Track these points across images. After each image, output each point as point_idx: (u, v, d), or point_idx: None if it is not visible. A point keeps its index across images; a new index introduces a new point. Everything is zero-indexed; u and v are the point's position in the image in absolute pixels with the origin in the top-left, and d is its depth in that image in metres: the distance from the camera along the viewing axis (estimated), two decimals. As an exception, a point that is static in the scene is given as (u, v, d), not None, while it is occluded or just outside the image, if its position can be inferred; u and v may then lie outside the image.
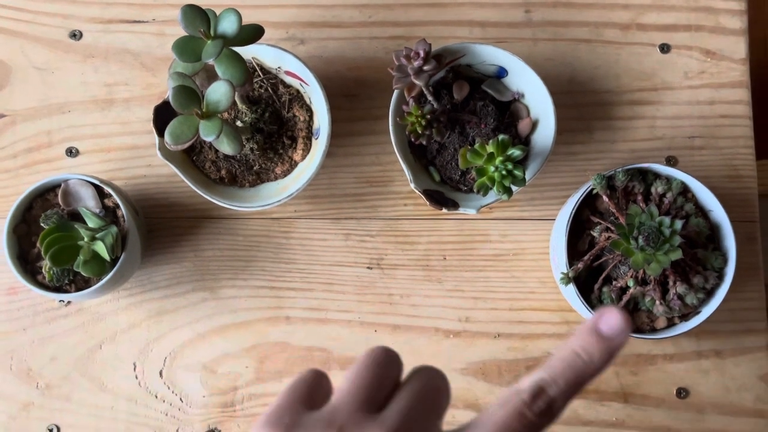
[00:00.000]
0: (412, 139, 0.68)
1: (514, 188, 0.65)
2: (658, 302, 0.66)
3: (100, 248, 0.65)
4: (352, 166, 0.76)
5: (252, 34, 0.63)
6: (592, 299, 0.68)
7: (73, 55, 0.78)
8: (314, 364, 0.74)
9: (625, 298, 0.67)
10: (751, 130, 0.77)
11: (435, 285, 0.75)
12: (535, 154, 0.70)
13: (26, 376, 0.73)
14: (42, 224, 0.67)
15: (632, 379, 0.74)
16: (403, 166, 0.69)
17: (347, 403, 0.35)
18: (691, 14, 0.79)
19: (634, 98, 0.77)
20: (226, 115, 0.72)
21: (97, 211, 0.69)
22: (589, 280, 0.68)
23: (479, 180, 0.64)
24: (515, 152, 0.63)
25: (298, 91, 0.74)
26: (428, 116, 0.66)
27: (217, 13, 0.62)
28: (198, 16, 0.61)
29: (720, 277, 0.67)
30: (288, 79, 0.73)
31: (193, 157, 0.72)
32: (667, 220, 0.63)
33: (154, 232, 0.75)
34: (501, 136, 0.64)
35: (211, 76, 0.64)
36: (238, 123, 0.71)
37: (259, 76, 0.73)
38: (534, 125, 0.72)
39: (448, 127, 0.71)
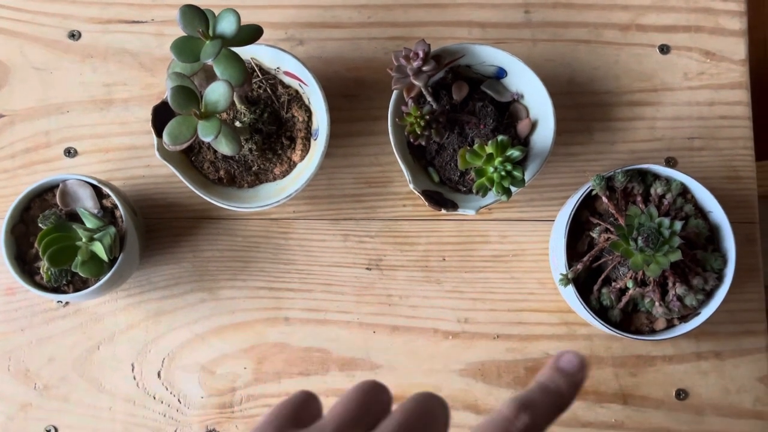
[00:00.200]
0: (411, 140, 0.68)
1: (513, 189, 0.65)
2: (657, 303, 0.66)
3: (98, 249, 0.65)
4: (351, 166, 0.76)
5: (251, 34, 0.63)
6: (591, 300, 0.67)
7: (71, 55, 0.78)
8: (313, 365, 0.74)
9: (624, 300, 0.67)
10: (751, 131, 0.77)
11: (434, 286, 0.75)
12: (534, 155, 0.70)
13: (24, 376, 0.73)
14: (40, 225, 0.67)
15: (631, 381, 0.74)
16: (402, 167, 0.69)
17: (335, 421, 0.34)
18: (690, 15, 0.78)
19: (634, 99, 0.77)
20: (224, 115, 0.72)
21: (96, 211, 0.69)
22: (589, 282, 0.68)
23: (478, 181, 0.64)
24: (514, 153, 0.63)
25: (297, 92, 0.73)
26: (427, 117, 0.66)
27: (216, 14, 0.61)
28: (197, 17, 0.61)
29: (719, 279, 0.67)
30: (287, 80, 0.73)
31: (191, 158, 0.72)
32: (666, 221, 0.63)
33: (152, 233, 0.75)
34: (500, 137, 0.63)
35: (210, 77, 0.64)
36: (237, 123, 0.71)
37: (258, 76, 0.73)
38: (533, 126, 0.71)
39: (447, 127, 0.71)
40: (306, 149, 0.72)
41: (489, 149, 0.64)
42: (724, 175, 0.76)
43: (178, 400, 0.73)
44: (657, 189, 0.68)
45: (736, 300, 0.73)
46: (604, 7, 0.79)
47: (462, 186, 0.72)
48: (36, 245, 0.66)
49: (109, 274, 0.66)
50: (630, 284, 0.66)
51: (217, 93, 0.60)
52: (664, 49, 0.78)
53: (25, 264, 0.68)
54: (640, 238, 0.62)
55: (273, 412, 0.36)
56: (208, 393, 0.73)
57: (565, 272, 0.66)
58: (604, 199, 0.67)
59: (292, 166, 0.73)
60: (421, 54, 0.63)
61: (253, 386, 0.73)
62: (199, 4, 0.61)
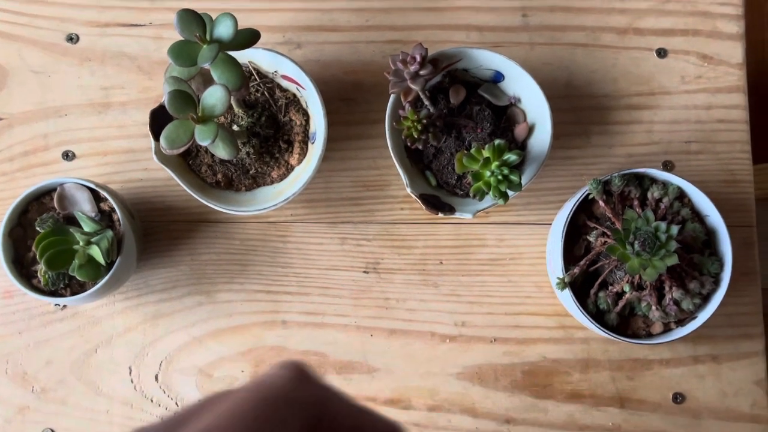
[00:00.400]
0: (409, 144, 0.68)
1: (510, 193, 0.65)
2: (654, 307, 0.66)
3: (96, 252, 0.65)
4: (349, 170, 0.76)
5: (248, 38, 0.63)
6: (588, 304, 0.68)
7: (69, 59, 0.78)
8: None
9: (621, 303, 0.67)
10: (748, 135, 0.77)
11: (431, 289, 0.75)
12: (531, 159, 0.70)
13: (21, 379, 0.73)
14: (37, 228, 0.67)
15: (628, 384, 0.74)
16: (400, 171, 0.69)
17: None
18: (688, 19, 0.79)
19: (631, 103, 0.77)
20: (222, 119, 0.72)
21: (93, 215, 0.69)
22: (586, 285, 0.68)
23: (475, 185, 0.64)
24: (511, 157, 0.63)
25: (294, 95, 0.73)
26: (425, 121, 0.66)
27: (213, 18, 0.62)
28: (194, 21, 0.61)
29: (716, 282, 0.67)
30: (284, 83, 0.73)
31: (189, 161, 0.72)
32: (663, 225, 0.63)
33: (150, 236, 0.75)
34: (497, 141, 0.64)
35: (207, 81, 0.64)
36: (234, 127, 0.71)
37: (256, 80, 0.73)
38: (530, 130, 0.72)
39: (445, 131, 0.71)
40: (303, 153, 0.72)
41: (486, 153, 0.64)
42: (722, 178, 0.76)
43: (176, 403, 0.73)
44: (654, 193, 0.68)
45: (733, 303, 0.73)
46: (601, 10, 0.79)
47: (459, 189, 0.72)
48: (33, 248, 0.66)
49: (106, 278, 0.66)
50: (627, 288, 0.66)
51: (214, 97, 0.60)
52: (662, 53, 0.78)
53: (22, 267, 0.68)
54: (636, 242, 0.62)
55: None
56: (205, 396, 0.73)
57: (562, 276, 0.66)
58: (601, 203, 0.67)
59: (289, 169, 0.73)
60: (418, 58, 0.64)
61: (251, 389, 0.73)
62: (196, 8, 0.62)
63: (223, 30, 0.61)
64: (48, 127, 0.77)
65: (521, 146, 0.72)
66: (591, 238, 0.67)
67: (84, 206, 0.69)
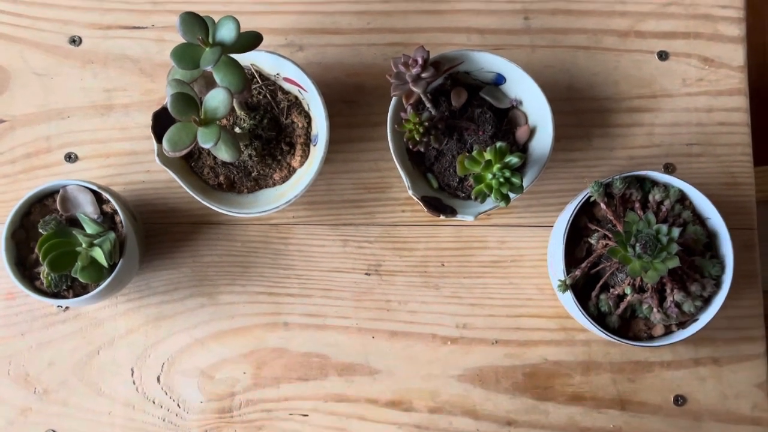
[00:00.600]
0: (410, 146, 0.68)
1: (511, 195, 0.65)
2: (655, 310, 0.66)
3: (98, 254, 0.65)
4: (351, 172, 0.77)
5: (250, 41, 0.63)
6: (589, 306, 0.68)
7: (72, 61, 0.78)
8: (312, 370, 0.74)
9: (622, 306, 0.67)
10: (749, 138, 0.77)
11: (433, 291, 0.75)
12: (533, 161, 0.70)
13: (24, 381, 0.73)
14: (40, 230, 0.68)
15: (630, 386, 0.74)
16: (401, 173, 0.69)
17: None
18: (689, 22, 0.79)
19: (633, 105, 0.77)
20: (224, 121, 0.72)
21: (96, 217, 0.69)
22: (587, 288, 0.69)
23: (477, 187, 0.64)
24: (513, 159, 0.63)
25: (296, 98, 0.74)
26: (426, 123, 0.66)
27: (216, 21, 0.62)
28: (196, 24, 0.61)
29: (717, 285, 0.67)
30: (286, 86, 0.73)
31: (191, 163, 0.72)
32: (664, 227, 0.63)
33: (152, 238, 0.76)
34: (499, 144, 0.64)
35: (210, 83, 0.64)
36: (237, 129, 0.71)
37: (258, 82, 0.73)
38: (532, 132, 0.72)
39: (446, 134, 0.71)
40: (305, 155, 0.73)
41: (488, 156, 0.64)
42: (723, 181, 0.76)
43: (178, 405, 0.73)
44: (655, 195, 0.68)
45: (734, 306, 0.73)
46: (603, 13, 0.79)
47: (461, 192, 0.72)
48: (36, 250, 0.66)
49: (108, 280, 0.66)
50: (628, 290, 0.67)
51: (216, 100, 0.61)
52: (663, 56, 0.78)
53: (25, 269, 0.68)
54: (638, 244, 0.62)
55: None
56: (207, 398, 0.73)
57: (563, 278, 0.66)
58: (603, 206, 0.67)
59: (291, 171, 0.73)
60: (420, 61, 0.64)
61: (252, 391, 0.74)
62: (198, 10, 0.62)
63: (226, 33, 0.61)
64: (50, 129, 0.77)
65: (523, 149, 0.72)
66: (592, 241, 0.67)
67: (87, 208, 0.69)
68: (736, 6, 0.79)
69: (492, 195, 0.64)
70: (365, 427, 0.73)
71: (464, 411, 0.73)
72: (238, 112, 0.71)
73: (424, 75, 0.64)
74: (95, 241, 0.65)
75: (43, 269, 0.67)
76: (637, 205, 0.68)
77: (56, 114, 0.77)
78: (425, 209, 0.68)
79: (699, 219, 0.69)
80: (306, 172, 0.71)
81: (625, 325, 0.69)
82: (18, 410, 0.73)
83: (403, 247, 0.76)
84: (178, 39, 0.61)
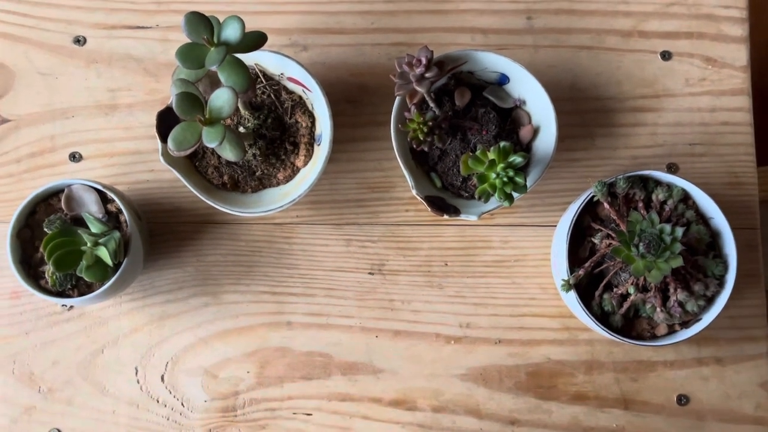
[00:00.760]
0: (414, 146, 0.68)
1: (515, 195, 0.65)
2: (658, 309, 0.66)
3: (103, 253, 0.65)
4: (354, 171, 0.77)
5: (255, 41, 0.64)
6: (592, 306, 0.68)
7: (76, 61, 0.78)
8: (315, 369, 0.74)
9: (625, 305, 0.67)
10: (752, 137, 0.77)
11: (436, 291, 0.75)
12: (536, 161, 0.71)
13: (28, 379, 0.74)
14: (45, 229, 0.68)
15: (633, 386, 0.74)
16: (405, 172, 0.69)
17: None
18: (692, 22, 0.79)
19: (636, 105, 0.78)
20: (228, 121, 0.72)
21: (100, 216, 0.69)
22: (590, 287, 0.69)
23: (480, 186, 0.65)
24: (516, 159, 0.64)
25: (300, 98, 0.74)
26: (430, 123, 0.67)
27: (221, 20, 0.62)
28: (201, 23, 0.61)
29: (721, 285, 0.67)
30: (291, 86, 0.74)
31: (195, 163, 0.73)
32: (667, 227, 0.63)
33: (156, 237, 0.76)
34: (502, 143, 0.64)
35: (214, 83, 0.64)
36: (241, 129, 0.72)
37: (262, 82, 0.73)
38: (535, 132, 0.72)
39: (450, 133, 0.71)
40: (309, 154, 0.73)
41: (491, 155, 0.64)
42: (726, 181, 0.76)
43: (182, 404, 0.74)
44: (658, 195, 0.68)
45: (738, 306, 0.74)
46: (606, 13, 0.79)
47: (464, 191, 0.72)
48: (41, 249, 0.66)
49: (113, 279, 0.66)
50: (631, 290, 0.67)
51: (221, 99, 0.61)
52: (666, 56, 0.78)
53: (30, 268, 0.69)
54: (641, 244, 0.63)
55: None
56: (211, 397, 0.74)
57: (566, 278, 0.66)
58: (606, 205, 0.67)
59: (295, 171, 0.73)
60: (423, 60, 0.64)
61: (256, 390, 0.74)
62: (203, 10, 0.62)
63: (231, 33, 0.61)
64: (55, 128, 0.77)
65: (526, 148, 0.72)
66: (596, 240, 0.68)
67: (91, 207, 0.69)
68: (739, 6, 0.79)
69: (495, 194, 0.64)
70: (369, 426, 0.73)
71: (467, 410, 0.74)
72: (243, 111, 0.71)
73: (427, 75, 0.64)
74: (100, 240, 0.65)
75: (48, 268, 0.67)
76: (640, 204, 0.68)
77: (61, 113, 0.77)
78: (429, 209, 0.68)
79: (702, 219, 0.69)
80: (310, 171, 0.71)
81: (628, 325, 0.69)
82: (22, 409, 0.73)
83: (406, 246, 0.76)
84: (182, 39, 0.62)
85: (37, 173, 0.77)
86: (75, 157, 0.77)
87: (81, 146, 0.77)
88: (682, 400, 0.74)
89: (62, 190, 0.69)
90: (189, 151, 0.60)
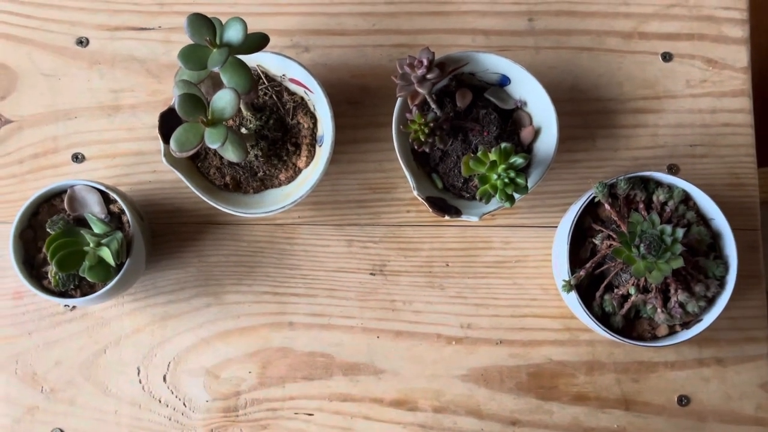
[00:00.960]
0: (416, 147, 0.69)
1: (516, 196, 0.65)
2: (659, 310, 0.66)
3: (106, 254, 0.65)
4: (356, 172, 0.77)
5: (257, 42, 0.64)
6: (593, 306, 0.68)
7: (79, 62, 0.79)
8: (317, 369, 0.74)
9: (626, 306, 0.67)
10: (753, 139, 0.77)
11: (437, 291, 0.75)
12: (537, 162, 0.71)
13: (31, 380, 0.74)
14: (48, 229, 0.68)
15: (633, 387, 0.74)
16: (406, 173, 0.69)
17: None
18: (693, 23, 0.79)
19: (637, 106, 0.78)
20: (231, 122, 0.73)
21: (103, 216, 0.69)
22: (591, 288, 0.69)
23: (482, 187, 0.65)
24: (518, 160, 0.64)
25: (302, 99, 0.74)
26: (431, 124, 0.67)
27: (223, 22, 0.62)
28: (204, 25, 0.61)
29: (721, 286, 0.67)
30: (292, 87, 0.74)
31: (197, 164, 0.73)
32: (668, 228, 0.63)
33: (158, 238, 0.76)
34: (503, 144, 0.64)
35: (217, 84, 0.64)
36: (243, 130, 0.72)
37: (264, 83, 0.74)
38: (536, 133, 0.72)
39: (451, 134, 0.71)
40: (311, 155, 0.73)
41: (492, 156, 0.64)
42: (727, 182, 0.76)
43: (183, 404, 0.74)
44: (659, 196, 0.68)
45: (738, 307, 0.74)
46: (606, 15, 0.79)
47: (465, 192, 0.73)
48: (44, 250, 0.66)
49: (116, 279, 0.66)
50: (632, 291, 0.67)
51: (223, 100, 0.61)
52: (667, 57, 0.78)
53: (33, 268, 0.69)
54: (642, 245, 0.63)
55: None
56: (212, 397, 0.74)
57: (567, 278, 0.66)
58: (607, 206, 0.67)
59: (297, 172, 0.73)
60: (425, 62, 0.64)
61: (258, 390, 0.74)
62: (205, 12, 0.62)
63: (233, 34, 0.62)
64: (58, 129, 0.77)
65: (527, 149, 0.73)
66: (596, 241, 0.68)
67: (94, 208, 0.70)
68: (740, 7, 0.79)
69: (497, 195, 0.64)
70: (370, 427, 0.73)
71: (469, 411, 0.74)
72: (245, 112, 0.72)
73: (429, 76, 0.64)
74: (103, 241, 0.66)
75: (51, 268, 0.68)
76: (641, 205, 0.68)
77: (63, 114, 0.78)
78: (430, 210, 0.68)
79: (703, 220, 0.69)
80: (312, 172, 0.72)
81: (629, 326, 0.69)
82: (25, 409, 0.74)
83: (407, 247, 0.76)
84: (185, 40, 0.62)
85: (40, 174, 0.77)
86: (78, 158, 0.77)
87: (84, 147, 0.77)
88: (683, 400, 0.74)
89: (65, 191, 0.70)
90: (191, 152, 0.61)
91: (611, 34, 0.79)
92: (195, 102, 0.61)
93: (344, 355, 0.74)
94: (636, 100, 0.78)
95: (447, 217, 0.69)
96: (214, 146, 0.60)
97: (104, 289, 0.66)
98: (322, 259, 0.76)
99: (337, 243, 0.76)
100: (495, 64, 0.71)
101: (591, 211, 0.70)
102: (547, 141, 0.70)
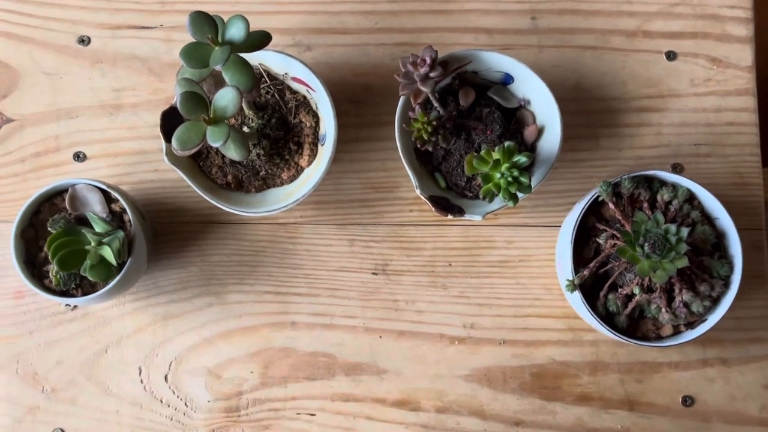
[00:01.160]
0: (418, 146, 0.68)
1: (519, 195, 0.65)
2: (663, 310, 0.66)
3: (107, 253, 0.65)
4: (358, 171, 0.77)
5: (259, 40, 0.64)
6: (597, 306, 0.68)
7: (81, 61, 0.78)
8: (319, 369, 0.74)
9: (630, 306, 0.67)
10: (758, 138, 0.77)
11: (440, 291, 0.75)
12: (540, 161, 0.70)
13: (32, 379, 0.74)
14: (49, 228, 0.68)
15: (637, 387, 0.73)
16: (409, 172, 0.69)
17: None
18: (697, 22, 0.79)
19: (641, 105, 0.77)
20: (233, 120, 0.72)
21: (104, 215, 0.69)
22: (595, 288, 0.68)
23: (485, 186, 0.64)
24: (521, 159, 0.63)
25: (304, 97, 0.74)
26: (434, 123, 0.67)
27: (225, 20, 0.62)
28: (206, 23, 0.61)
29: (726, 285, 0.67)
30: (295, 85, 0.74)
31: (199, 163, 0.73)
32: (673, 227, 0.63)
33: (160, 237, 0.76)
34: (507, 143, 0.64)
35: (219, 82, 0.64)
36: (245, 129, 0.72)
37: (266, 82, 0.73)
38: (540, 132, 0.72)
39: (454, 133, 0.71)
40: (313, 154, 0.73)
41: (496, 155, 0.64)
42: (731, 181, 0.76)
43: (185, 404, 0.73)
44: (664, 195, 0.68)
45: (743, 307, 0.73)
46: (610, 13, 0.79)
47: (468, 191, 0.72)
48: (45, 249, 0.66)
49: (117, 278, 0.66)
50: (636, 290, 0.66)
51: (225, 99, 0.61)
52: (671, 56, 0.78)
53: (34, 267, 0.69)
54: (646, 244, 0.62)
55: None
56: (214, 397, 0.74)
57: (571, 278, 0.66)
58: (611, 206, 0.67)
59: (299, 171, 0.73)
60: (428, 60, 0.64)
61: (260, 390, 0.74)
62: (207, 10, 0.62)
63: (235, 32, 0.61)
64: (59, 128, 0.77)
65: (531, 148, 0.72)
66: (600, 241, 0.67)
67: (95, 207, 0.69)
68: (744, 6, 0.79)
69: (500, 194, 0.64)
70: (372, 427, 0.73)
71: (472, 411, 0.73)
72: (247, 111, 0.71)
73: (432, 74, 0.64)
74: (104, 240, 0.65)
75: (52, 268, 0.67)
76: (645, 204, 0.68)
77: (65, 113, 0.78)
78: (433, 209, 0.68)
79: (708, 219, 0.69)
80: (314, 171, 0.71)
81: (633, 326, 0.69)
82: (26, 409, 0.73)
83: (410, 246, 0.76)
84: (186, 39, 0.62)
85: (42, 173, 0.77)
86: (79, 157, 0.77)
87: (85, 146, 0.77)
88: (687, 401, 0.73)
89: (66, 190, 0.69)
90: (193, 151, 0.60)
91: (615, 33, 0.79)
92: (197, 100, 0.60)
93: (346, 355, 0.74)
94: (640, 99, 0.77)
95: (450, 217, 0.69)
96: (216, 145, 0.60)
97: (105, 289, 0.66)
98: (324, 259, 0.76)
99: (339, 242, 0.76)
100: (498, 62, 0.71)
101: (595, 210, 0.70)
102: (551, 140, 0.70)
